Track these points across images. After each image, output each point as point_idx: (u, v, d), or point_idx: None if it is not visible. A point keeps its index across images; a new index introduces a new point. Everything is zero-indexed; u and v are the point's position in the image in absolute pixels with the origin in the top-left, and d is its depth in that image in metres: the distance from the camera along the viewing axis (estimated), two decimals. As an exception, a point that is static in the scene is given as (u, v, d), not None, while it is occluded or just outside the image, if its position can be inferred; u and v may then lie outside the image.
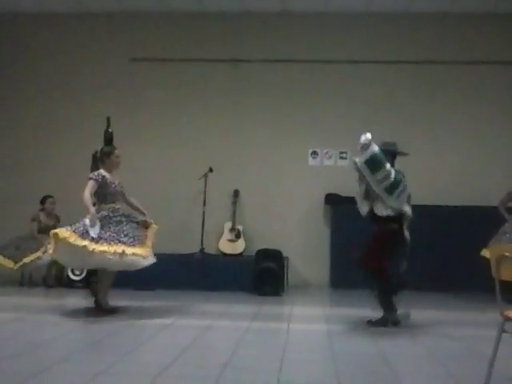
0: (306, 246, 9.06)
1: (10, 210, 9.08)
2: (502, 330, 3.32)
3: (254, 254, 8.28)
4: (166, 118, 9.39)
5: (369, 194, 5.61)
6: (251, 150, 9.25)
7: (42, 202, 8.49)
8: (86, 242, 5.66)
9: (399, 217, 5.60)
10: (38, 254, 7.96)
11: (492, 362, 3.35)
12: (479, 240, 6.98)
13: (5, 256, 7.94)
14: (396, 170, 5.53)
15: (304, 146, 9.27)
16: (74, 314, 6.65)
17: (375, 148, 5.37)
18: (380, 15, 9.21)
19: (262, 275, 7.75)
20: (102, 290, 6.13)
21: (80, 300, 7.38)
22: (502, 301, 3.30)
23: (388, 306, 5.67)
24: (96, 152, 6.37)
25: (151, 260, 6.09)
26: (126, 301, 6.98)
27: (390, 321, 5.64)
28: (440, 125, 9.22)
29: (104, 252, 5.68)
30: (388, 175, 5.37)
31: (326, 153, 9.28)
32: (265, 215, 9.16)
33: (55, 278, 8.20)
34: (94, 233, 5.73)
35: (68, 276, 8.09)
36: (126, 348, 4.59)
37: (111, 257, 5.70)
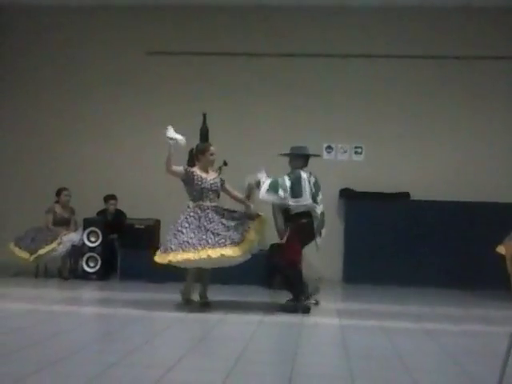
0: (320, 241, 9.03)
1: (26, 202, 9.17)
2: (517, 327, 3.29)
3: (267, 247, 8.27)
4: (180, 111, 9.39)
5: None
6: (265, 143, 9.23)
7: (58, 194, 8.54)
8: (170, 257, 5.76)
9: (309, 212, 6.19)
10: (53, 245, 8.01)
11: (506, 359, 3.32)
12: (495, 236, 6.91)
13: (20, 247, 7.99)
14: (293, 174, 6.14)
15: (319, 140, 9.22)
16: (89, 305, 6.72)
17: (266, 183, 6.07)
18: (395, 10, 9.14)
19: (275, 269, 7.74)
20: (188, 285, 6.13)
21: (94, 292, 7.45)
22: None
23: (299, 293, 6.08)
24: (192, 149, 6.32)
25: (246, 257, 6.02)
26: (138, 293, 7.03)
27: (299, 308, 6.00)
28: (457, 120, 9.15)
29: (188, 260, 5.70)
30: (284, 187, 6.03)
31: (341, 147, 9.26)
32: (279, 209, 9.13)
33: (70, 270, 8.26)
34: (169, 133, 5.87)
35: (83, 268, 8.14)
36: (140, 340, 4.62)
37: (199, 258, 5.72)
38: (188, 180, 6.05)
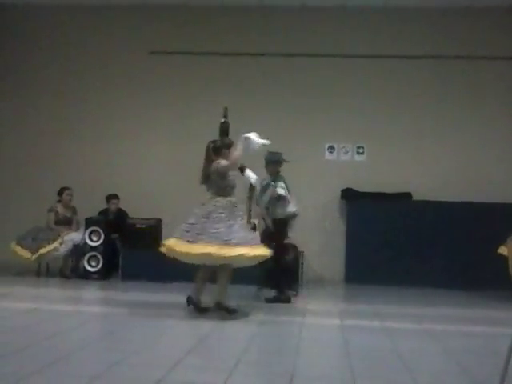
0: (322, 241, 9.04)
1: (28, 201, 9.17)
2: (519, 328, 3.29)
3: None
4: (184, 111, 9.40)
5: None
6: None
7: (60, 193, 8.54)
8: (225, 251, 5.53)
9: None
10: (55, 244, 8.03)
11: (508, 360, 3.32)
12: (497, 237, 6.91)
13: (22, 246, 8.01)
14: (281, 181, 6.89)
15: (321, 140, 9.24)
16: (90, 304, 6.72)
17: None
18: (397, 10, 9.13)
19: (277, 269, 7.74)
20: (200, 286, 5.91)
21: (96, 291, 7.45)
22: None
23: (282, 285, 6.72)
24: (209, 144, 6.08)
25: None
26: (139, 292, 7.03)
27: (283, 299, 6.61)
28: (459, 120, 9.14)
29: (241, 255, 5.57)
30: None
31: (343, 147, 9.25)
32: (280, 209, 9.13)
33: (71, 269, 8.26)
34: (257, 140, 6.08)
35: (84, 267, 8.14)
36: (142, 339, 4.62)
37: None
38: (225, 174, 5.87)
